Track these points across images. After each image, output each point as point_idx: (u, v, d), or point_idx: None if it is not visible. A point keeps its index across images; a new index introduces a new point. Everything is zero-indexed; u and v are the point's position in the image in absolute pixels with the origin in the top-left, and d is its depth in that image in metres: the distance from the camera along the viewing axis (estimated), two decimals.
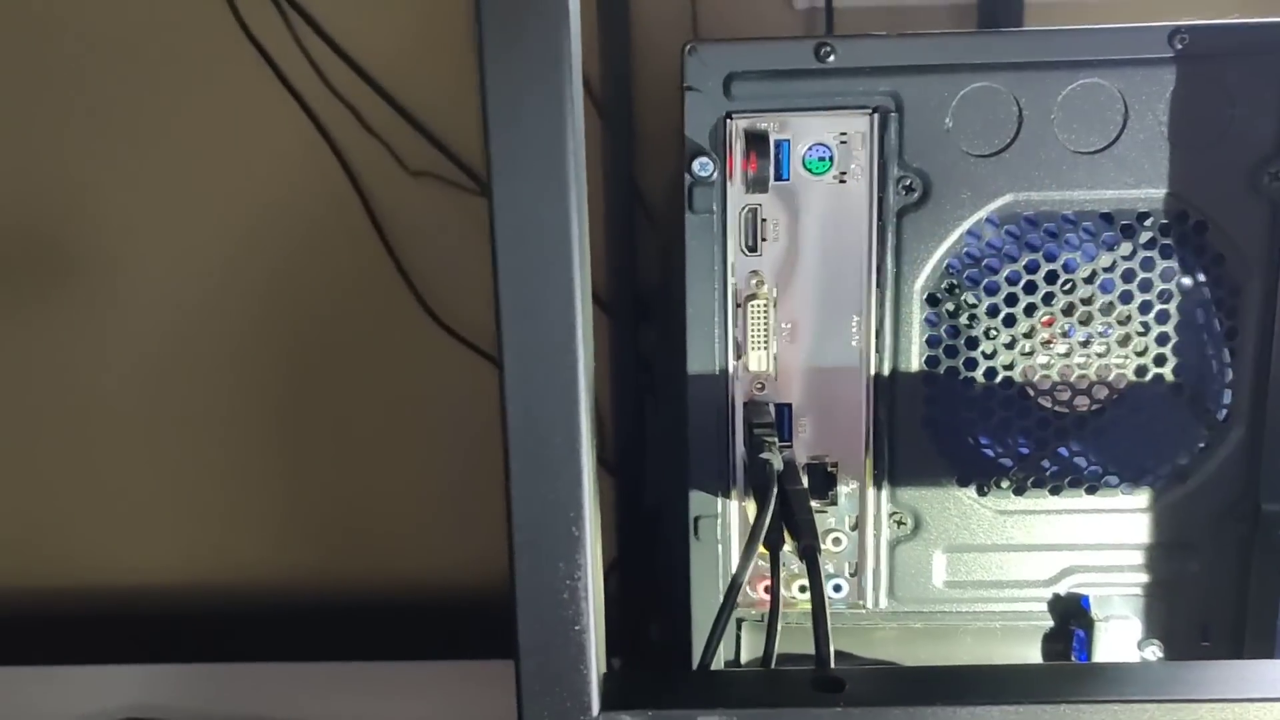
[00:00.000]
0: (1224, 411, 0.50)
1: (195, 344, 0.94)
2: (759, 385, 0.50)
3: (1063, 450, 0.50)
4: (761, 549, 0.45)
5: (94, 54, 0.90)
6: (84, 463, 0.98)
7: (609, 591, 0.52)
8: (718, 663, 0.49)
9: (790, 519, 0.46)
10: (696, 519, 0.51)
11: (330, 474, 0.96)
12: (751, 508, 0.50)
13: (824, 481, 0.51)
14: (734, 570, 0.51)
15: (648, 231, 0.87)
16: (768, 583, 0.46)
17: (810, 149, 0.48)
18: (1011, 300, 0.48)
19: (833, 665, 0.42)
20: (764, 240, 0.48)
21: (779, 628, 0.45)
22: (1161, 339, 0.48)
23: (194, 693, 0.98)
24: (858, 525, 0.51)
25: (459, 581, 0.96)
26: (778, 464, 0.46)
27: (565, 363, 0.35)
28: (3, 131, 0.92)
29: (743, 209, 0.48)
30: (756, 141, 0.47)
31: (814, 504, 0.51)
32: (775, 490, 0.46)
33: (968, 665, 0.51)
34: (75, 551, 1.02)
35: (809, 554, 0.45)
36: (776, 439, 0.48)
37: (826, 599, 0.48)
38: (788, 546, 0.45)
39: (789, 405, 0.50)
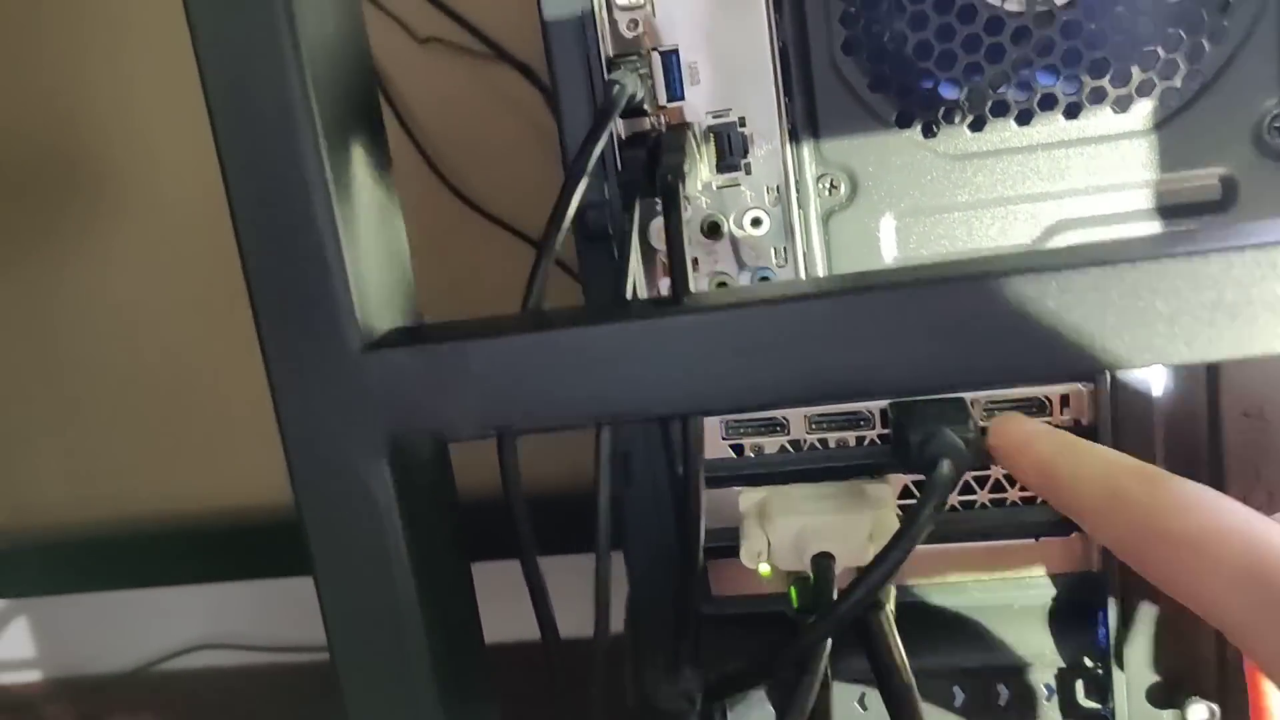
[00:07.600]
0: None
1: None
2: (631, 24, 0.41)
3: (1026, 65, 0.39)
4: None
5: None
6: (135, 394, 0.97)
7: None
8: None
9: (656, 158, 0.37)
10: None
11: None
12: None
13: (733, 146, 0.41)
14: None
15: None
16: None
17: None
18: None
19: None
20: None
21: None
22: None
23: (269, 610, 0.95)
24: (780, 197, 0.41)
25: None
26: (634, 88, 0.38)
27: None
28: (16, 42, 0.92)
29: None
30: None
31: (722, 176, 0.41)
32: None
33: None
34: (136, 481, 1.01)
35: (663, 182, 0.36)
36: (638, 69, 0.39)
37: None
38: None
39: (675, 50, 0.41)
